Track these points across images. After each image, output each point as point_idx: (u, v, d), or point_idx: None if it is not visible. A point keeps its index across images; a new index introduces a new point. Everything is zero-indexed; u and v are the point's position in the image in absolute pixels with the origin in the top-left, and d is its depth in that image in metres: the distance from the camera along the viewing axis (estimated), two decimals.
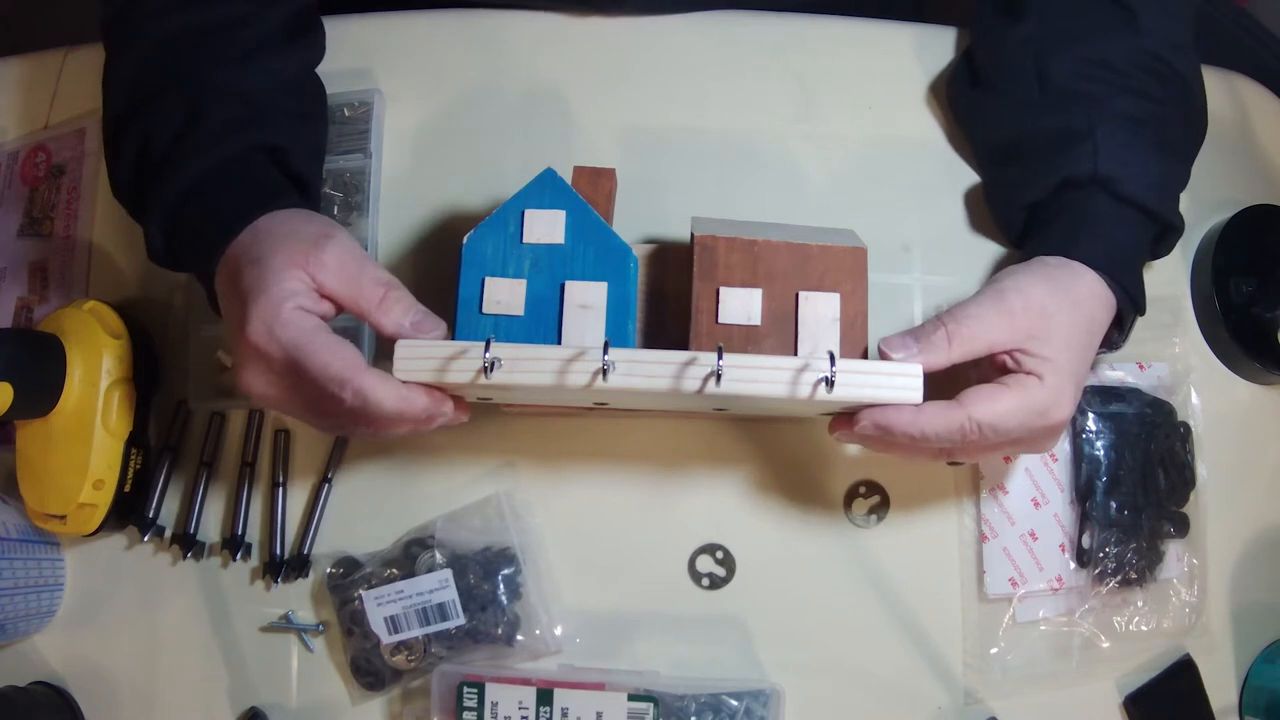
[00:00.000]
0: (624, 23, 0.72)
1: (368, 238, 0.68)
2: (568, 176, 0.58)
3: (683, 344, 0.54)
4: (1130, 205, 0.58)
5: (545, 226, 0.54)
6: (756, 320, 0.53)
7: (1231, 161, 0.71)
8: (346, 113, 0.70)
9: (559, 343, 0.53)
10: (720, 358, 0.48)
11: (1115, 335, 0.60)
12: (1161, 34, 0.59)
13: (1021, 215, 0.63)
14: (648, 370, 0.50)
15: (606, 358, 0.49)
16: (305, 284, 0.51)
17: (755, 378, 0.49)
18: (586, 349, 0.50)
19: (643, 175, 0.69)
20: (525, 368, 0.50)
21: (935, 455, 0.55)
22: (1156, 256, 0.63)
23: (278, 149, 0.60)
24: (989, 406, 0.51)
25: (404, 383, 0.51)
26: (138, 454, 0.65)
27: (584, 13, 0.72)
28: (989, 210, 0.67)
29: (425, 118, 0.71)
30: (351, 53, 0.72)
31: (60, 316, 0.64)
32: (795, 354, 0.53)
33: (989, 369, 0.54)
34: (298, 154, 0.61)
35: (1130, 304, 0.58)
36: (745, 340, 0.53)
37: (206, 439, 0.67)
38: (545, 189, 0.55)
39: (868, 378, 0.50)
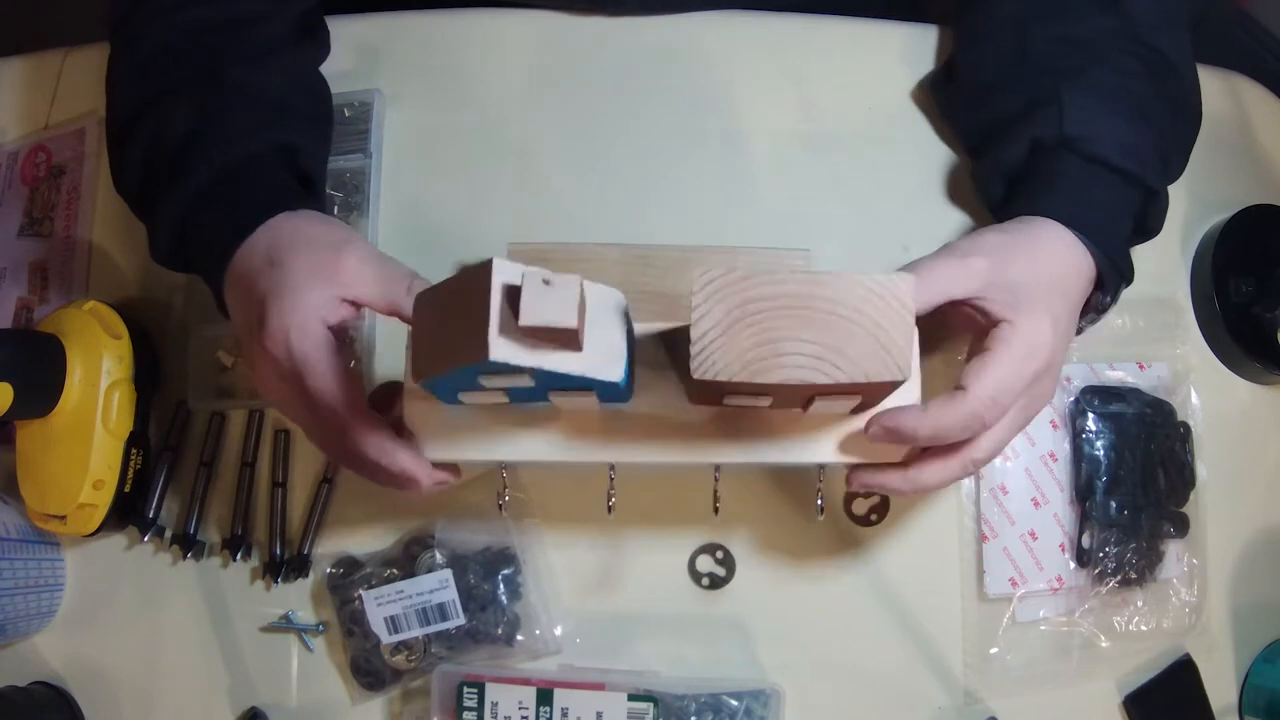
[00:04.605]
0: (624, 23, 0.72)
1: (368, 238, 0.68)
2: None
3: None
4: (1100, 165, 0.58)
5: (508, 381, 0.45)
6: (764, 405, 0.50)
7: (1231, 161, 0.72)
8: (346, 113, 0.70)
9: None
10: (716, 497, 0.53)
11: (1099, 298, 0.59)
12: (1142, 16, 0.60)
13: (1001, 187, 0.63)
14: (651, 466, 0.52)
15: (611, 497, 0.52)
16: (329, 294, 0.51)
17: (755, 458, 0.51)
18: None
19: (642, 175, 0.70)
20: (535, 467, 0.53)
21: (960, 465, 0.53)
22: (1147, 232, 0.62)
23: (289, 149, 0.59)
24: (987, 376, 0.50)
25: (389, 442, 0.50)
26: (138, 454, 0.65)
27: (584, 13, 0.72)
28: (976, 191, 0.67)
29: (425, 118, 0.71)
30: (351, 53, 0.72)
31: (60, 316, 0.64)
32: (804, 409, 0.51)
33: (961, 330, 0.54)
34: (308, 154, 0.61)
35: (1111, 268, 0.57)
36: (748, 411, 0.51)
37: (206, 439, 0.67)
38: (494, 367, 0.43)
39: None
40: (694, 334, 0.42)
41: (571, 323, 0.40)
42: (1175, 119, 0.61)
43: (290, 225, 0.55)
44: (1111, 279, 0.58)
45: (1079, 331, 0.58)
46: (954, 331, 0.62)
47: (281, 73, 0.61)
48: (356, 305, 0.53)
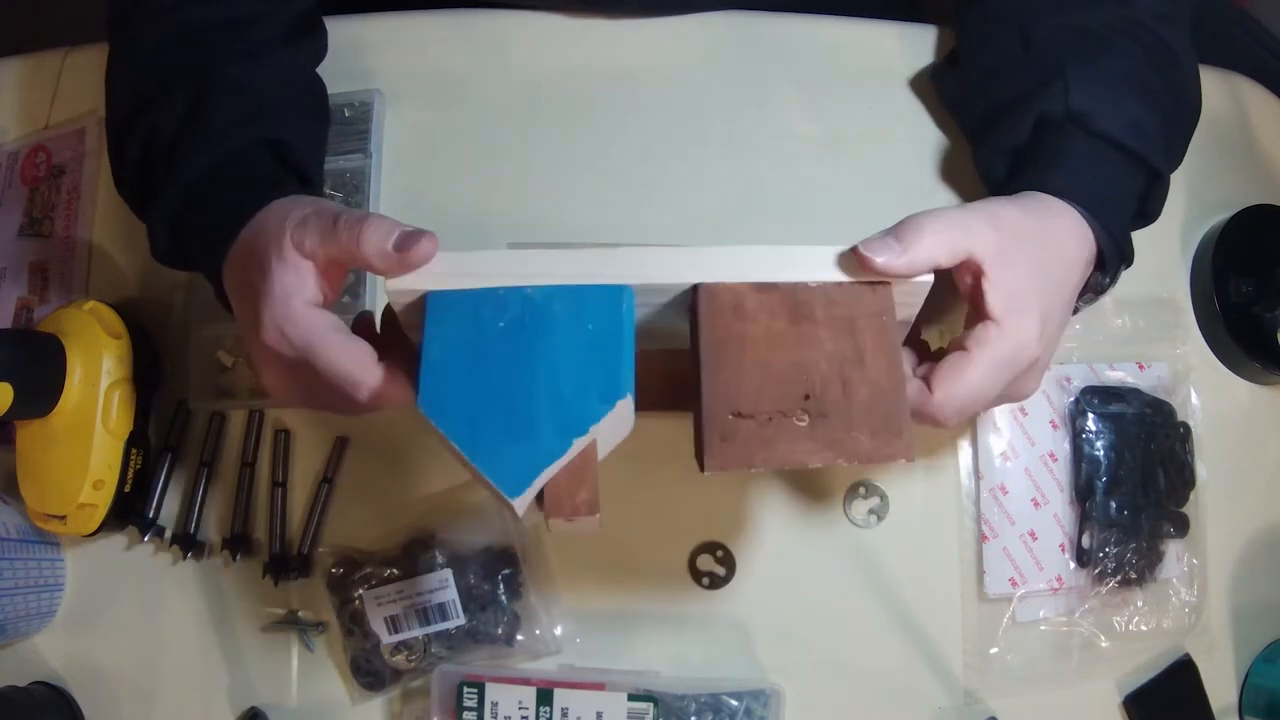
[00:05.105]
0: (624, 23, 0.72)
1: None
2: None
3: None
4: (1105, 142, 0.58)
5: None
6: None
7: (1231, 161, 0.72)
8: (346, 113, 0.70)
9: None
10: None
11: (1099, 279, 0.58)
12: (1146, 6, 0.60)
13: (1005, 165, 0.62)
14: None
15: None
16: (306, 271, 0.51)
17: None
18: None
19: (642, 175, 0.70)
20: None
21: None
22: (1147, 215, 0.61)
23: (281, 144, 0.59)
24: (957, 386, 0.49)
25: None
26: (138, 454, 0.65)
27: (584, 13, 0.72)
28: (978, 173, 0.66)
29: (425, 118, 0.71)
30: (351, 53, 0.72)
31: (60, 316, 0.64)
32: None
33: (958, 299, 0.53)
34: (303, 153, 0.60)
35: (1113, 246, 0.57)
36: None
37: (206, 439, 0.67)
38: None
39: None
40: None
41: (595, 530, 0.45)
42: (1176, 107, 0.61)
43: (268, 213, 0.54)
44: (1112, 259, 0.57)
45: (1075, 311, 0.57)
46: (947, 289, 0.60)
47: (277, 71, 0.61)
48: (337, 266, 0.52)
